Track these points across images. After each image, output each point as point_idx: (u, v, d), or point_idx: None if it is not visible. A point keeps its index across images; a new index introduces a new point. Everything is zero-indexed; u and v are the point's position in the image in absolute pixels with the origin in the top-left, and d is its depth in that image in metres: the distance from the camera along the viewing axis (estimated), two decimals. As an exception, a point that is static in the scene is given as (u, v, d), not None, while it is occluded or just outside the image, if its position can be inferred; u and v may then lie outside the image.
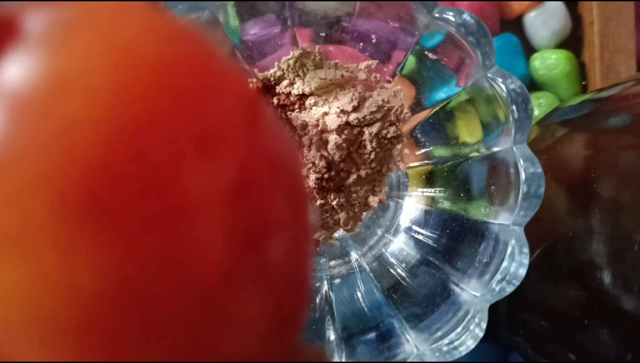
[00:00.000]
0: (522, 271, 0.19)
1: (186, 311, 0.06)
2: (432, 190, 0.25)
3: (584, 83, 0.33)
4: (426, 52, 0.22)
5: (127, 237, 0.06)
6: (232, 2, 0.21)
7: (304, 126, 0.23)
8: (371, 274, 0.25)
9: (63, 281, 0.06)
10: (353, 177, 0.23)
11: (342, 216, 0.24)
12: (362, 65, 0.23)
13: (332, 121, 0.22)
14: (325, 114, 0.23)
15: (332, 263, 0.26)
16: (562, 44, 0.33)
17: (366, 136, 0.22)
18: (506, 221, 0.20)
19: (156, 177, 0.06)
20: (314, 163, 0.23)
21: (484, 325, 0.19)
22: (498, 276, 0.20)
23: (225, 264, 0.06)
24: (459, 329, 0.20)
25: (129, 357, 0.06)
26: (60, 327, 0.06)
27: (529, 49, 0.33)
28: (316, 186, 0.23)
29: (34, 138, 0.06)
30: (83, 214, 0.06)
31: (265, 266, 0.07)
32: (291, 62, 0.23)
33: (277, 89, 0.23)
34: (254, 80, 0.24)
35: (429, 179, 0.25)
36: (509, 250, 0.20)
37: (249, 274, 0.07)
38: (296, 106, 0.23)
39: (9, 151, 0.06)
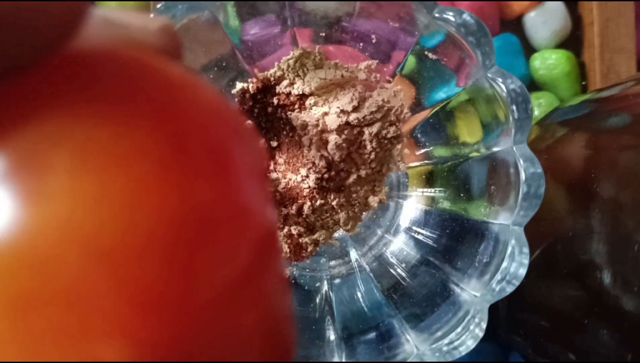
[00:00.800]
0: (522, 271, 0.19)
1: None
2: (432, 190, 0.25)
3: (584, 83, 0.33)
4: (426, 52, 0.22)
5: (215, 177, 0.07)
6: (232, 2, 0.21)
7: (304, 126, 0.23)
8: (371, 274, 0.25)
9: (161, 196, 0.07)
10: (353, 177, 0.23)
11: (342, 216, 0.24)
12: (362, 65, 0.23)
13: (332, 121, 0.22)
14: (325, 114, 0.23)
15: (332, 263, 0.26)
16: (562, 44, 0.33)
17: (366, 136, 0.22)
18: (506, 221, 0.20)
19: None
20: (314, 163, 0.23)
21: (484, 325, 0.19)
22: (498, 276, 0.20)
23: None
24: (459, 329, 0.20)
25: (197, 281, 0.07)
26: (150, 236, 0.07)
27: (529, 49, 0.33)
28: (316, 186, 0.23)
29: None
30: (194, 151, 0.07)
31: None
32: (291, 62, 0.23)
33: (277, 89, 0.23)
34: (254, 80, 0.24)
35: (429, 179, 0.25)
36: (509, 250, 0.20)
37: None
38: (296, 106, 0.23)
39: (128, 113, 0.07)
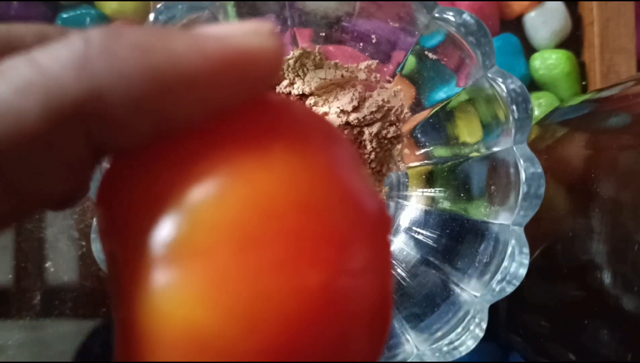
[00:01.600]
0: (522, 271, 0.19)
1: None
2: (432, 190, 0.25)
3: (584, 83, 0.33)
4: (426, 52, 0.22)
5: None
6: (232, 2, 0.21)
7: (304, 126, 0.23)
8: (371, 274, 0.25)
9: (341, 177, 0.09)
10: (353, 177, 0.23)
11: (342, 216, 0.24)
12: (362, 65, 0.23)
13: (332, 121, 0.22)
14: (325, 114, 0.23)
15: (332, 263, 0.26)
16: (562, 44, 0.33)
17: (366, 136, 0.22)
18: (506, 221, 0.20)
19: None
20: (314, 163, 0.23)
21: (484, 325, 0.19)
22: (498, 276, 0.20)
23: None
24: (459, 329, 0.20)
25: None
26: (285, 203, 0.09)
27: (529, 49, 0.33)
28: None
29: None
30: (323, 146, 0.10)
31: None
32: (291, 62, 0.23)
33: (277, 89, 0.23)
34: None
35: (429, 179, 0.25)
36: (509, 250, 0.20)
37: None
38: (296, 106, 0.23)
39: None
